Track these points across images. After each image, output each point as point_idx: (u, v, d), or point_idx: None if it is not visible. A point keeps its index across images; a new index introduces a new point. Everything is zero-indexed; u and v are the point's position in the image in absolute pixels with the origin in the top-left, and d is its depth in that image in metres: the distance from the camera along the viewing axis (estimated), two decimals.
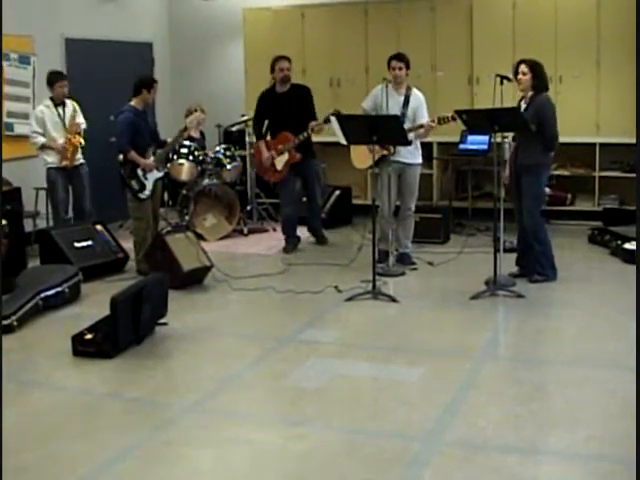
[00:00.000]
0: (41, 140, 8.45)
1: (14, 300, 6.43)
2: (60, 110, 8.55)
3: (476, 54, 9.88)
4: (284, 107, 8.66)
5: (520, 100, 7.16)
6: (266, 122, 8.89)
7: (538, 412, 4.58)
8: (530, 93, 7.03)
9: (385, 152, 7.61)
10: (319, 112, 8.69)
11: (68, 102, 8.61)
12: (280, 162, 8.74)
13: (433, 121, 7.59)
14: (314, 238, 9.21)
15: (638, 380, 4.12)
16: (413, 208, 7.99)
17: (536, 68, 7.00)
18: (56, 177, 8.53)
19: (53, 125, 8.49)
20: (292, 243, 8.94)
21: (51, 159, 8.51)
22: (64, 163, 8.50)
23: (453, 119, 7.45)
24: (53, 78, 8.53)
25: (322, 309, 6.70)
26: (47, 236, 7.82)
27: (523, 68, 7.00)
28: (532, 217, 7.11)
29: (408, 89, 7.83)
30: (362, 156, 7.90)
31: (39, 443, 4.29)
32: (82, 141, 8.54)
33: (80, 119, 8.64)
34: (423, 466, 3.97)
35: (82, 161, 8.68)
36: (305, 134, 8.59)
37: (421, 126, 7.65)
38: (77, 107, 8.67)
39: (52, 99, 8.54)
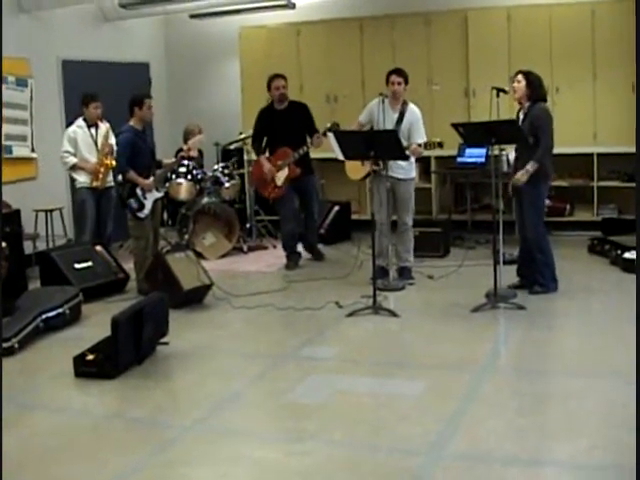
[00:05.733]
0: (72, 160, 8.53)
1: (15, 322, 6.43)
2: (93, 131, 8.63)
3: (472, 67, 9.91)
4: (283, 124, 8.65)
5: (518, 111, 7.17)
6: (265, 139, 8.88)
7: (540, 423, 4.57)
8: (527, 104, 7.03)
9: (375, 167, 7.50)
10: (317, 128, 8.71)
11: (100, 124, 8.66)
12: (280, 178, 8.70)
13: (420, 145, 7.59)
14: (310, 255, 9.21)
15: (638, 389, 4.11)
16: (410, 222, 7.96)
17: (530, 77, 7.00)
18: (87, 197, 8.57)
19: (85, 146, 8.57)
20: (294, 260, 8.94)
21: (83, 179, 8.58)
22: (95, 184, 8.55)
23: (439, 145, 7.50)
24: (87, 99, 8.62)
25: (323, 325, 6.70)
26: (47, 258, 7.81)
27: (518, 77, 7.02)
28: (534, 228, 7.10)
29: (404, 104, 7.79)
30: (355, 167, 7.95)
31: (40, 465, 4.28)
32: (114, 162, 8.48)
33: (112, 140, 8.59)
34: None
35: (112, 184, 8.65)
36: (305, 148, 8.61)
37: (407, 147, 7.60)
38: (109, 128, 8.65)
39: (85, 120, 8.61)
